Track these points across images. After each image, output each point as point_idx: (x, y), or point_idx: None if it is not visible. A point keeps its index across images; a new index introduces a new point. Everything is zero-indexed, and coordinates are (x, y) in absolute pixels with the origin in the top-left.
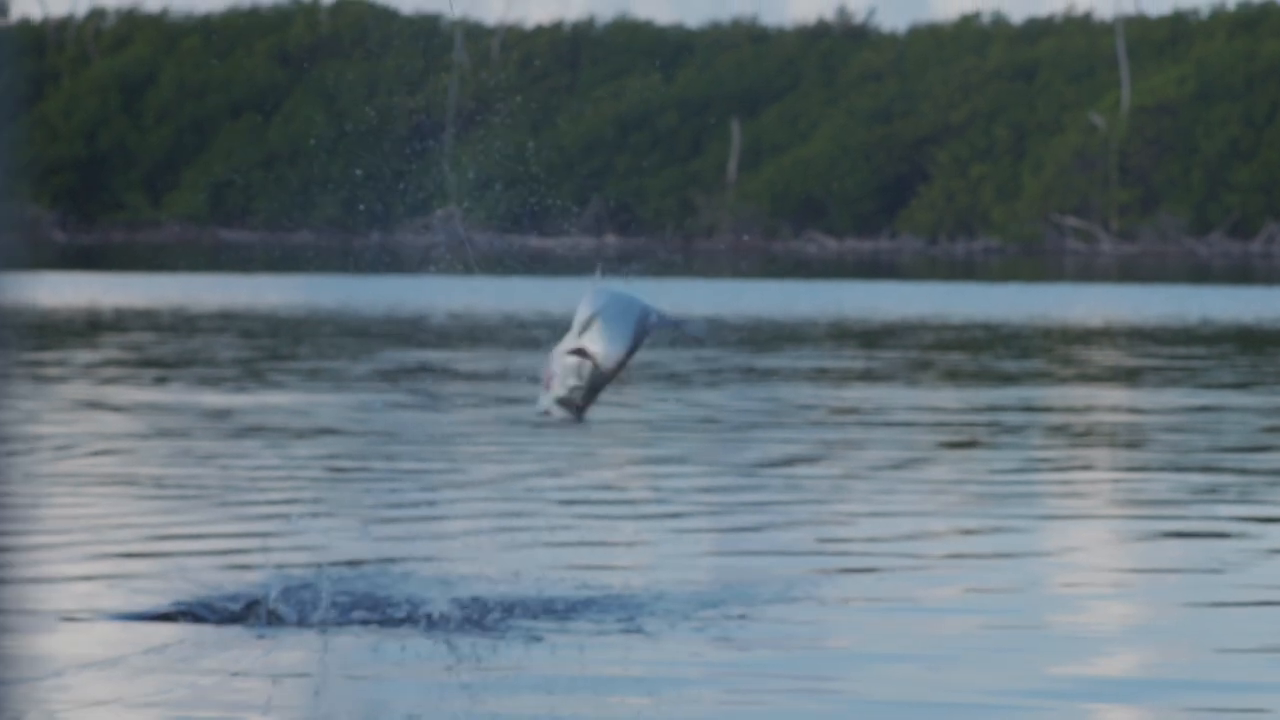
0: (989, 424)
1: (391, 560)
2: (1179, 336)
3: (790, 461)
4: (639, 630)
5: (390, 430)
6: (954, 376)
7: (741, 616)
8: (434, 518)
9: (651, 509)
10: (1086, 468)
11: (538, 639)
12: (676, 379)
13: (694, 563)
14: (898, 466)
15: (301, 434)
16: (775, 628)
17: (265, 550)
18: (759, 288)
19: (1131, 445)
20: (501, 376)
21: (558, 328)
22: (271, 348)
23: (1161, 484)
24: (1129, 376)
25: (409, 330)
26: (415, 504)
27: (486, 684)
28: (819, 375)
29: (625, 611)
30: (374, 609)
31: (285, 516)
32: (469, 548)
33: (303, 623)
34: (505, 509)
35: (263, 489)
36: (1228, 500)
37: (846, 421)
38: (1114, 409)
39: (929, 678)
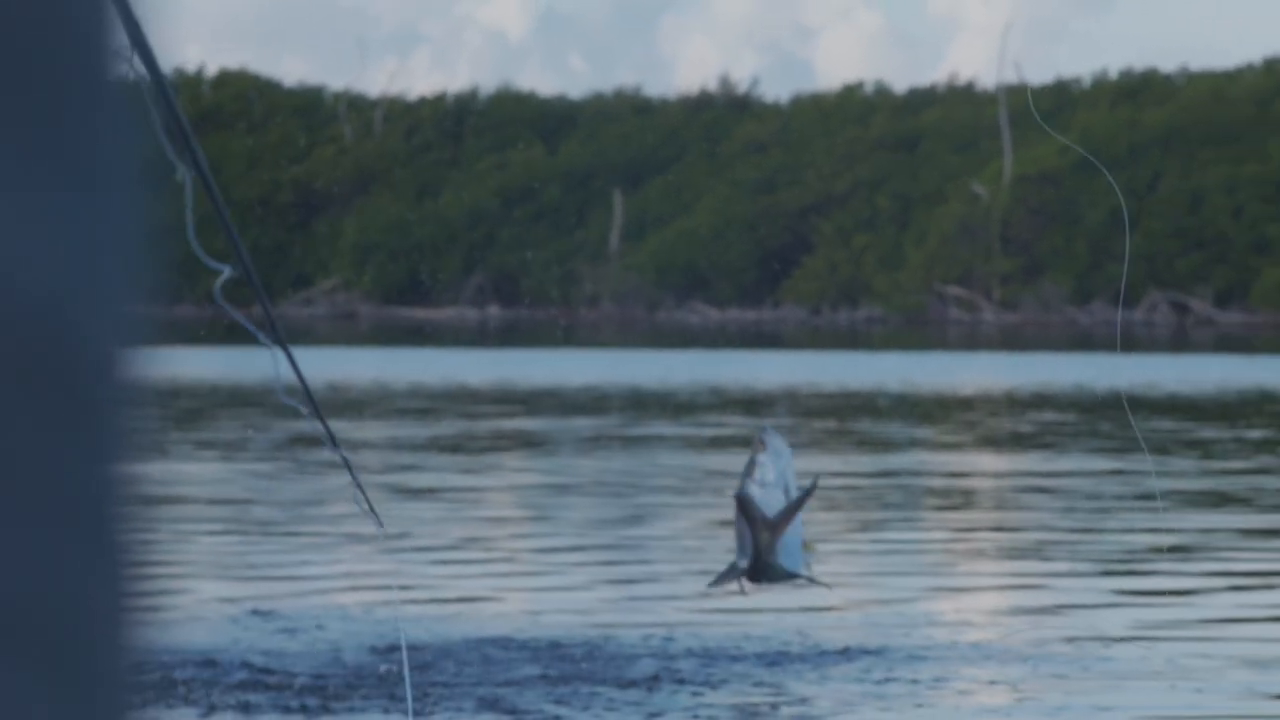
0: (871, 489)
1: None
2: (1054, 403)
3: (674, 526)
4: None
5: (281, 498)
6: (835, 443)
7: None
8: (311, 580)
9: (530, 569)
10: (966, 530)
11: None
12: (554, 446)
13: (577, 619)
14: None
15: (199, 503)
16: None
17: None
18: (641, 357)
19: (1005, 508)
20: (396, 447)
21: (441, 396)
22: (160, 419)
23: (1036, 548)
24: (1006, 442)
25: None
26: (292, 564)
27: None
28: (702, 443)
29: (494, 666)
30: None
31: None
32: (356, 606)
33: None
34: (391, 569)
35: (168, 557)
36: (1093, 560)
37: (725, 485)
38: (990, 474)
39: None
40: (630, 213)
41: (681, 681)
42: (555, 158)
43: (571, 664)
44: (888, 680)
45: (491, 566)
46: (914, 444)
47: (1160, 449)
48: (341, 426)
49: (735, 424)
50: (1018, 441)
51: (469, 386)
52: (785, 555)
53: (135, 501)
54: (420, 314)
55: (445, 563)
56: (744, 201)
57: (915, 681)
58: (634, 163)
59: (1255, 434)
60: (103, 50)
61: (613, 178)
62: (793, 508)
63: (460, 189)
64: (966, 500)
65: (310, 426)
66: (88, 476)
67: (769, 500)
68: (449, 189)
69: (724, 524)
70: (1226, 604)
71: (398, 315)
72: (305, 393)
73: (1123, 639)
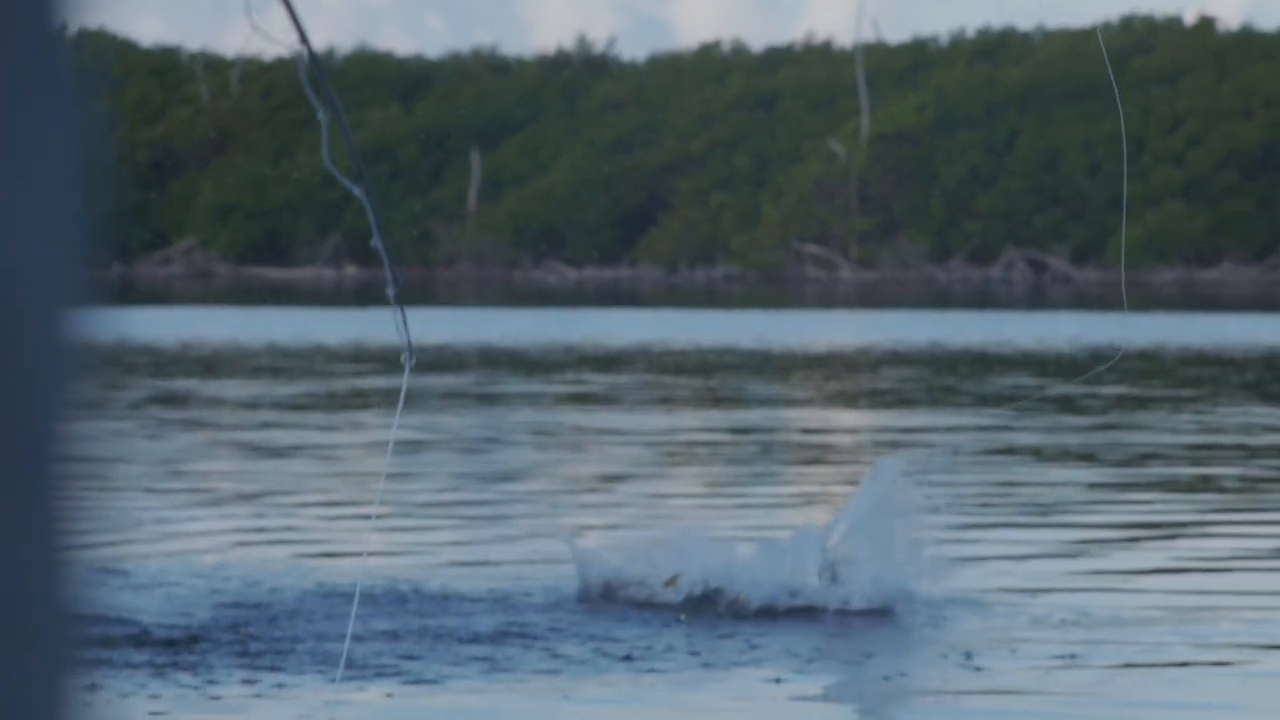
0: (728, 445)
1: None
2: (910, 360)
3: (526, 476)
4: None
5: (138, 456)
6: (692, 401)
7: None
8: (164, 538)
9: (385, 525)
10: (823, 485)
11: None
12: (411, 404)
13: (448, 565)
14: (624, 480)
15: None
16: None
17: None
18: (498, 316)
19: (861, 464)
20: (252, 405)
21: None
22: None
23: None
24: (863, 398)
25: (143, 360)
26: (148, 520)
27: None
28: (557, 400)
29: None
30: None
31: None
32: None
33: None
34: (257, 524)
35: None
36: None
37: (581, 441)
38: (847, 430)
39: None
40: (488, 172)
41: (528, 635)
42: (412, 117)
43: (420, 618)
44: (732, 635)
45: (346, 522)
46: (770, 401)
47: (1015, 404)
48: (198, 385)
49: (591, 381)
50: (875, 398)
51: (326, 346)
52: None
53: (73, 462)
54: (277, 274)
55: (302, 518)
56: (601, 161)
57: (765, 634)
58: (491, 122)
59: (1109, 390)
60: (40, 20)
61: (470, 137)
62: None
63: (317, 149)
64: (822, 456)
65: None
66: (30, 438)
67: None
68: (305, 149)
69: (577, 479)
70: (1084, 557)
71: (254, 275)
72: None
73: (979, 591)
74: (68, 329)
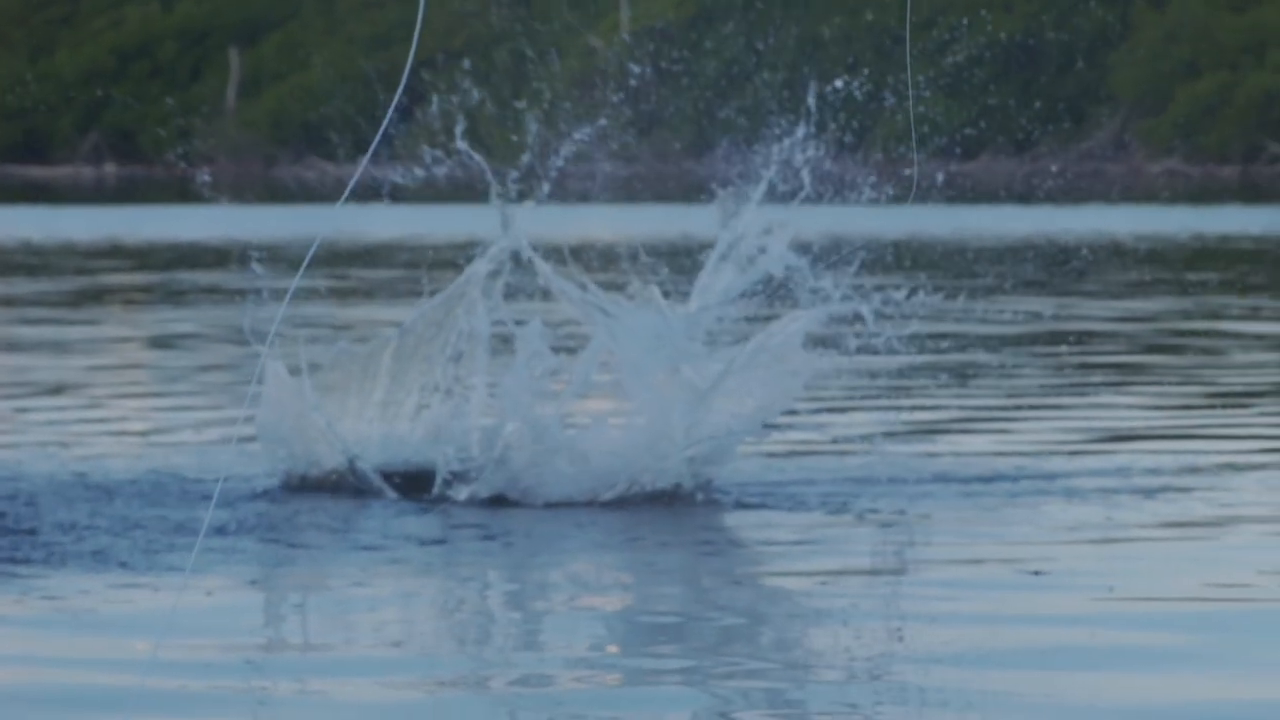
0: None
1: None
2: (659, 251)
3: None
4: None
5: None
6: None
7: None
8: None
9: (137, 420)
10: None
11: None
12: (167, 300)
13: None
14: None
15: None
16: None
17: None
18: (257, 213)
19: None
20: (7, 302)
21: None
22: None
23: None
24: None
25: None
26: None
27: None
28: (314, 296)
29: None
30: None
31: None
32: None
33: None
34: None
35: None
36: None
37: (337, 336)
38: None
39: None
40: (246, 70)
41: (263, 526)
42: (171, 15)
43: (151, 509)
44: (478, 523)
45: (104, 415)
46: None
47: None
48: None
49: (350, 276)
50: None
51: (82, 243)
52: None
53: None
54: (37, 172)
55: (60, 412)
56: (360, 58)
57: (520, 521)
58: (249, 20)
59: (862, 281)
60: None
61: (229, 35)
62: None
63: (75, 47)
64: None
65: None
66: None
67: None
68: (64, 47)
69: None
70: (851, 443)
71: (13, 174)
72: None
73: (742, 483)
74: None
